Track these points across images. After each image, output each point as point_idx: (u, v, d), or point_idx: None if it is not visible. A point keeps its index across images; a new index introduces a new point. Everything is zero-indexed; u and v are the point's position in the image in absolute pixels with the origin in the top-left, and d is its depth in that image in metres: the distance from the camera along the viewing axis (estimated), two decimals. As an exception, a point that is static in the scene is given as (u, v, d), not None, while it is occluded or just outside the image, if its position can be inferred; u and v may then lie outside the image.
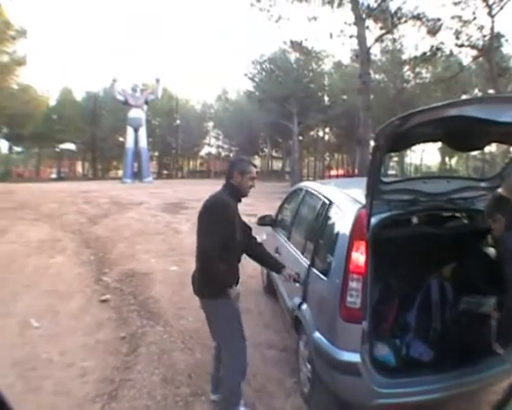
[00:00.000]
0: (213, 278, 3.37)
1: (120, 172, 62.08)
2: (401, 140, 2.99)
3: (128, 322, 5.81)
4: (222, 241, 3.25)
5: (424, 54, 21.55)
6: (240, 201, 3.55)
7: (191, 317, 5.77)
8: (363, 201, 3.23)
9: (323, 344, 3.34)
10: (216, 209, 3.37)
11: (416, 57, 23.56)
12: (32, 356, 4.81)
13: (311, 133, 53.63)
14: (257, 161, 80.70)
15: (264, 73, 39.02)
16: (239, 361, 3.52)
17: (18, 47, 20.93)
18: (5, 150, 71.90)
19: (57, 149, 72.94)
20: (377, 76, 34.18)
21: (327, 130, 54.38)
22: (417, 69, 32.50)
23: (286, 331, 5.20)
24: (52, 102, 61.63)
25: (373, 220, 3.14)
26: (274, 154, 71.68)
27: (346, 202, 3.67)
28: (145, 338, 5.26)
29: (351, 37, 20.91)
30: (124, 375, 4.45)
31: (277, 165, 75.86)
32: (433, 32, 19.83)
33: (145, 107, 43.77)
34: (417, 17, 19.20)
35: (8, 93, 27.92)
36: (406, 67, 32.63)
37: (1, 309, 6.17)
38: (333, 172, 69.63)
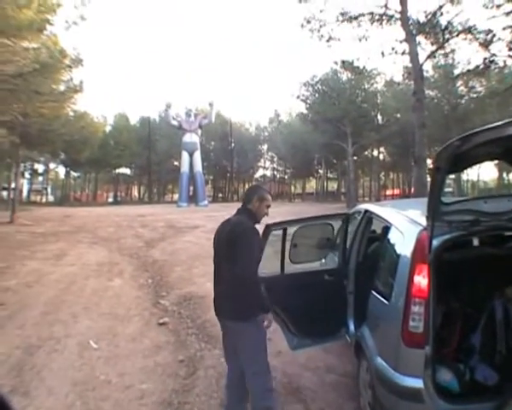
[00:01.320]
0: (255, 302, 3.40)
1: (176, 196, 63.06)
2: (461, 160, 2.94)
3: (186, 345, 5.86)
4: (257, 265, 3.37)
5: (477, 67, 21.04)
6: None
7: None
8: (424, 222, 3.17)
9: (385, 369, 3.28)
10: (250, 234, 3.41)
11: (468, 71, 23.07)
12: (91, 377, 4.90)
13: (366, 153, 53.10)
14: (312, 182, 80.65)
15: (316, 95, 38.92)
16: (269, 380, 3.56)
17: (74, 75, 21.56)
18: (62, 175, 74.26)
19: (113, 174, 74.70)
20: (430, 92, 33.49)
21: (381, 149, 53.71)
22: (470, 83, 31.79)
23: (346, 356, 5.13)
24: (108, 128, 63.31)
25: (434, 242, 3.06)
26: (329, 175, 71.24)
27: (406, 225, 3.60)
28: (203, 362, 5.28)
29: (403, 54, 20.67)
30: (182, 398, 4.48)
31: (332, 186, 75.40)
32: (485, 44, 19.38)
33: (199, 131, 44.35)
34: (468, 30, 18.82)
35: (64, 120, 28.74)
36: (459, 82, 31.97)
37: (61, 330, 6.35)
38: (388, 192, 68.65)
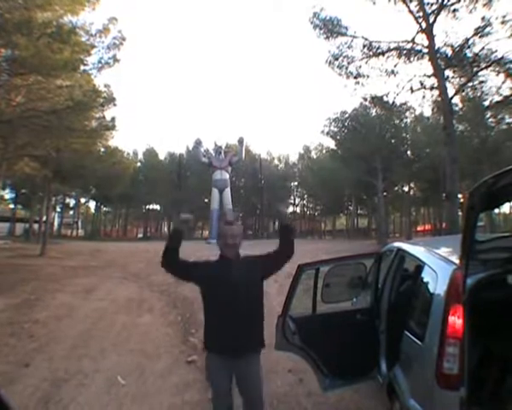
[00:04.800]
0: (262, 332, 3.64)
1: (206, 233, 63.30)
2: (495, 198, 2.89)
3: (214, 384, 5.79)
4: None
5: (506, 98, 20.88)
6: None
7: (280, 380, 5.68)
8: (457, 261, 3.10)
9: (419, 412, 3.18)
10: None
11: (497, 102, 22.87)
12: (118, 414, 4.86)
13: (396, 188, 52.69)
14: (342, 219, 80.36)
15: (346, 131, 38.89)
16: None
17: (107, 112, 21.97)
18: (93, 209, 75.43)
19: (143, 210, 75.54)
20: (460, 126, 33.16)
21: (411, 184, 53.30)
22: (500, 115, 31.44)
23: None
24: (137, 163, 64.26)
25: (469, 281, 3.00)
26: (359, 211, 70.85)
27: (439, 263, 3.52)
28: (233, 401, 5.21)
29: (432, 89, 20.66)
30: (209, 437, 4.41)
31: (363, 222, 74.90)
32: (512, 75, 19.23)
33: (229, 168, 44.60)
34: (496, 62, 18.72)
35: (96, 156, 29.29)
36: (488, 114, 31.65)
37: (89, 365, 6.36)
38: (419, 228, 67.91)
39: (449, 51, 19.59)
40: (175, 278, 4.04)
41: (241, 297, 3.48)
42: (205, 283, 3.72)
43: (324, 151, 60.41)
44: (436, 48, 19.28)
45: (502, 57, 18.48)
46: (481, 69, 19.28)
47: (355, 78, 21.99)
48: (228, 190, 43.61)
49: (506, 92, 20.89)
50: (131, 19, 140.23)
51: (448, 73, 20.24)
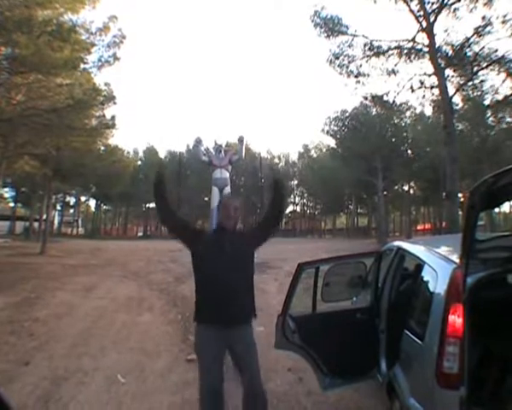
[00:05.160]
0: (253, 302, 3.76)
1: (206, 232, 63.40)
2: (495, 197, 2.89)
3: (214, 382, 5.78)
4: None
5: (506, 98, 20.87)
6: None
7: (279, 379, 5.67)
8: (457, 260, 3.10)
9: (418, 411, 3.18)
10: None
11: (498, 102, 22.88)
12: (118, 412, 4.87)
13: (396, 187, 52.67)
14: (342, 218, 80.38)
15: (346, 130, 38.85)
16: None
17: (107, 111, 21.97)
18: (93, 208, 75.48)
19: (143, 208, 75.57)
20: (460, 125, 33.07)
21: (412, 183, 53.28)
22: (500, 114, 31.42)
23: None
24: (137, 161, 64.33)
25: (469, 280, 2.99)
26: (359, 210, 70.88)
27: (439, 262, 3.52)
28: (232, 400, 5.17)
29: (432, 88, 20.67)
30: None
31: (362, 221, 74.94)
32: (513, 74, 19.23)
33: (230, 167, 44.62)
34: (497, 61, 18.72)
35: (96, 154, 29.33)
36: (488, 113, 31.63)
37: (89, 363, 6.35)
38: (419, 227, 67.93)
39: (449, 50, 19.63)
40: (172, 236, 4.02)
41: (234, 269, 3.54)
42: (199, 249, 3.75)
43: (324, 150, 60.53)
44: (436, 47, 19.29)
45: (502, 56, 18.49)
46: (482, 68, 19.29)
47: (356, 77, 22.03)
48: (228, 189, 43.46)
49: (506, 91, 20.92)
50: (132, 17, 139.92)
51: (448, 72, 20.28)
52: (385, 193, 43.62)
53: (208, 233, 3.90)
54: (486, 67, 19.19)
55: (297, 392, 5.27)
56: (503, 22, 17.83)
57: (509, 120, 32.64)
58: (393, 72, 21.19)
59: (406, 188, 53.10)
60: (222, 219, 3.87)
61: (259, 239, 3.83)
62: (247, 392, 3.74)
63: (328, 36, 21.66)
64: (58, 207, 65.23)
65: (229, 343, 3.66)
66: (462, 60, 19.27)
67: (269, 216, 3.91)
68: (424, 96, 21.91)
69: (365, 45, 20.99)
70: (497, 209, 49.83)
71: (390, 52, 20.86)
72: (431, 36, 19.07)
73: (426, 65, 20.33)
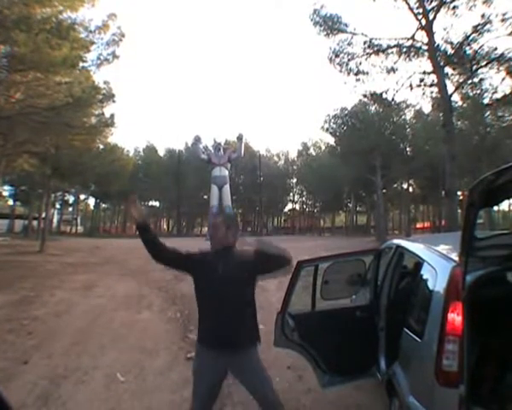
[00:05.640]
0: (252, 329, 3.58)
1: (205, 230, 63.27)
2: (495, 195, 2.88)
3: (214, 381, 5.77)
4: None
5: (505, 96, 20.88)
6: None
7: (278, 377, 5.66)
8: (457, 258, 3.10)
9: (418, 409, 3.19)
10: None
11: (497, 100, 22.88)
12: (117, 411, 4.86)
13: (395, 185, 52.62)
14: (341, 216, 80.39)
15: (345, 128, 38.81)
16: None
17: (106, 109, 21.98)
18: (92, 206, 75.51)
19: (143, 206, 75.48)
20: (459, 123, 33.03)
21: (411, 181, 53.24)
22: (499, 113, 31.40)
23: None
24: (137, 160, 64.39)
25: (468, 278, 2.99)
26: (358, 208, 70.85)
27: (439, 260, 3.52)
28: (231, 397, 5.19)
29: (431, 85, 20.67)
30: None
31: (362, 219, 74.92)
32: (512, 72, 19.23)
33: (229, 165, 44.50)
34: (496, 59, 18.72)
35: (95, 153, 29.36)
36: (488, 112, 31.63)
37: (88, 362, 6.36)
38: (419, 225, 67.94)
39: (448, 48, 19.62)
40: (170, 269, 4.00)
41: (227, 291, 3.42)
42: (195, 273, 3.67)
43: (323, 148, 60.57)
44: (436, 45, 19.29)
45: (502, 55, 18.47)
46: (481, 67, 19.28)
47: (355, 74, 22.04)
48: (227, 187, 43.50)
49: (506, 90, 20.92)
50: (131, 15, 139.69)
51: (448, 70, 20.28)
52: (384, 191, 43.54)
53: (203, 253, 3.79)
54: (486, 65, 19.19)
55: (296, 390, 5.28)
56: (503, 20, 17.82)
57: (508, 118, 32.62)
58: (393, 70, 21.22)
59: (405, 186, 53.05)
60: (209, 238, 3.82)
61: (262, 273, 3.60)
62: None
63: (327, 34, 21.68)
64: (57, 206, 65.13)
65: (228, 369, 3.60)
66: (462, 58, 19.27)
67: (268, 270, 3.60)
68: (423, 93, 21.93)
69: (365, 43, 21.02)
70: (496, 207, 49.91)
71: (389, 50, 20.88)
72: (430, 34, 19.08)
73: (425, 63, 20.38)
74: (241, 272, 3.46)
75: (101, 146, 31.00)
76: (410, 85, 20.95)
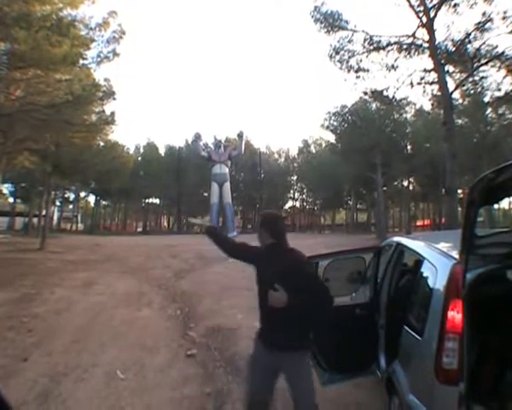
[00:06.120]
0: (309, 329, 3.59)
1: (205, 227, 63.38)
2: (495, 193, 2.88)
3: (214, 378, 5.78)
4: None
5: (507, 94, 20.87)
6: None
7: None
8: (457, 256, 3.09)
9: (418, 407, 3.19)
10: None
11: (498, 98, 22.87)
12: (117, 408, 4.88)
13: (395, 183, 52.60)
14: (342, 213, 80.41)
15: (346, 125, 38.79)
16: None
17: (106, 107, 21.97)
18: (93, 204, 75.52)
19: (143, 204, 75.58)
20: (460, 121, 33.01)
21: (411, 179, 53.22)
22: (500, 110, 31.38)
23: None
24: (137, 157, 64.43)
25: (468, 276, 2.99)
26: (358, 206, 70.83)
27: (439, 258, 3.52)
28: (231, 395, 5.20)
29: (432, 83, 20.68)
30: (209, 432, 4.41)
31: (362, 217, 74.92)
32: (513, 70, 19.20)
33: (229, 162, 44.48)
34: (497, 57, 18.69)
35: (96, 150, 29.40)
36: (489, 109, 31.61)
37: (88, 359, 6.36)
38: (419, 223, 67.91)
39: (449, 46, 19.59)
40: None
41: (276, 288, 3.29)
42: (256, 267, 3.72)
43: (324, 145, 60.48)
44: (437, 43, 19.27)
45: (503, 53, 18.44)
46: (482, 64, 19.25)
47: (356, 72, 22.02)
48: (227, 184, 43.46)
49: (507, 88, 20.91)
50: (131, 13, 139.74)
51: (448, 67, 20.25)
52: (384, 188, 43.55)
53: (260, 250, 3.78)
54: (486, 63, 19.16)
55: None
56: (504, 18, 17.80)
57: (509, 116, 32.60)
58: (393, 67, 21.19)
59: (406, 183, 52.99)
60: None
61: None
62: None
63: (328, 31, 21.65)
64: (57, 203, 65.10)
65: (277, 368, 3.57)
66: (463, 56, 19.25)
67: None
68: (424, 91, 21.93)
69: (365, 40, 21.00)
70: (496, 205, 49.88)
71: (390, 47, 20.86)
72: (431, 31, 19.05)
73: (426, 60, 20.38)
74: (283, 276, 3.35)
75: (102, 143, 31.03)
76: (411, 83, 20.97)
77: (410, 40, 20.28)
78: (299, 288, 3.27)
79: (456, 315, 2.93)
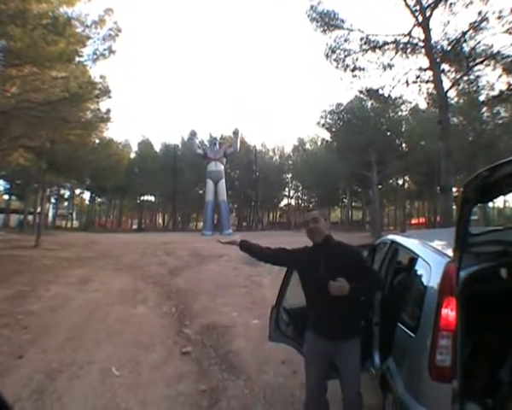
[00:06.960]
0: (359, 318, 3.84)
1: (200, 224, 63.28)
2: (489, 191, 2.89)
3: (209, 375, 5.78)
4: None
5: (502, 93, 20.91)
6: None
7: (273, 372, 5.69)
8: (451, 254, 3.11)
9: (411, 403, 3.19)
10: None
11: (493, 97, 22.91)
12: (112, 404, 4.88)
13: (390, 181, 52.63)
14: (337, 211, 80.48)
15: (341, 123, 38.79)
16: None
17: (102, 104, 21.94)
18: (88, 201, 75.42)
19: (138, 201, 75.53)
20: (455, 119, 33.04)
21: (406, 177, 53.25)
22: (495, 109, 31.42)
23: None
24: (132, 154, 64.39)
25: (462, 274, 3.00)
26: (353, 204, 70.92)
27: (433, 256, 3.54)
28: (226, 392, 5.20)
29: (427, 82, 20.73)
30: (203, 428, 4.42)
31: (357, 215, 75.02)
32: (509, 70, 19.22)
33: (224, 160, 44.48)
34: (492, 57, 18.74)
35: (91, 148, 29.39)
36: (484, 108, 31.65)
37: (84, 356, 6.36)
38: (414, 221, 68.00)
39: (445, 45, 19.62)
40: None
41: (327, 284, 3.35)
42: (298, 268, 3.85)
43: (319, 143, 60.38)
44: (432, 42, 19.30)
45: (498, 52, 18.49)
46: (477, 63, 19.29)
47: (352, 71, 22.02)
48: (222, 182, 43.56)
49: (502, 87, 20.93)
50: (127, 10, 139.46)
51: (444, 66, 20.28)
52: (379, 187, 43.61)
53: (304, 249, 3.82)
54: (482, 62, 19.20)
55: (291, 385, 5.29)
56: (499, 17, 17.82)
57: (504, 115, 32.66)
58: (389, 66, 21.23)
59: (401, 182, 53.07)
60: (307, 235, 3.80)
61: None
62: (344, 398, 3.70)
63: (324, 30, 21.65)
64: (52, 200, 65.08)
65: (331, 356, 3.68)
66: (458, 55, 19.28)
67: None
68: (420, 90, 21.98)
69: (361, 39, 21.01)
70: (490, 204, 49.98)
71: (386, 46, 20.87)
72: (427, 30, 19.08)
73: (421, 59, 20.39)
74: (344, 265, 3.49)
75: (97, 141, 31.00)
76: (407, 82, 21.00)
77: (406, 39, 20.30)
78: (358, 276, 3.43)
79: (449, 313, 2.95)
